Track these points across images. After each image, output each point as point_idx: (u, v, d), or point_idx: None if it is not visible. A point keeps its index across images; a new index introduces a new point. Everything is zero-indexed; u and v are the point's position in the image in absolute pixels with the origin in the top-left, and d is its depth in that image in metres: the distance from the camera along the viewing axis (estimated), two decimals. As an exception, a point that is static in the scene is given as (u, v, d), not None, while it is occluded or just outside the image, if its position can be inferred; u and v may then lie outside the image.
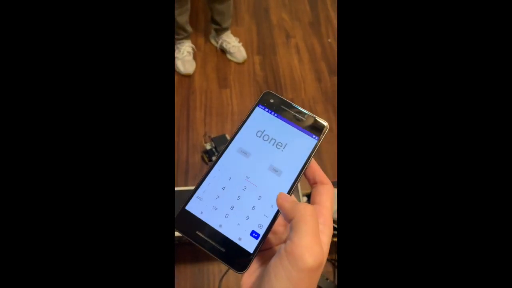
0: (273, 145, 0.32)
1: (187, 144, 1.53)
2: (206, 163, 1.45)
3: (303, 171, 0.31)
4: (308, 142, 0.32)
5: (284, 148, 0.32)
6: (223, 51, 1.85)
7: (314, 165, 0.32)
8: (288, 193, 0.31)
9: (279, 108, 0.34)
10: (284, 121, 0.33)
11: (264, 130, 0.33)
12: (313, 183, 0.31)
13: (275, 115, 0.33)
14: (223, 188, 0.31)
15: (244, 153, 0.32)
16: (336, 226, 0.92)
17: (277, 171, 0.31)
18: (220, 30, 1.79)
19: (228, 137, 1.45)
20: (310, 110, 1.75)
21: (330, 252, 1.16)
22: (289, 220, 0.26)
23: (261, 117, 0.33)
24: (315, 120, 0.33)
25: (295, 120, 0.33)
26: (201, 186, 0.31)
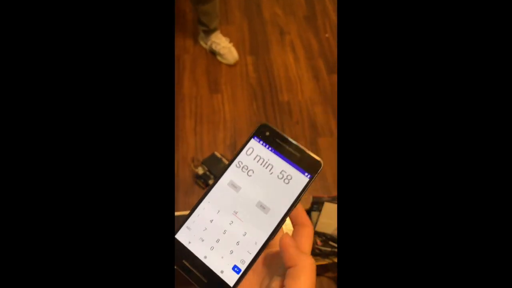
0: None
1: (177, 157, 1.40)
2: (203, 188, 1.30)
3: (291, 210, 0.31)
4: (300, 180, 0.32)
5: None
6: (213, 53, 1.71)
7: (298, 206, 0.31)
8: (274, 231, 0.31)
9: (274, 141, 0.33)
10: (278, 156, 0.33)
11: None
12: (294, 224, 0.32)
13: (270, 148, 0.33)
14: (211, 221, 0.32)
15: (235, 186, 0.33)
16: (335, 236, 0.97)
17: (264, 208, 0.32)
18: (208, 31, 1.67)
19: (218, 155, 1.31)
20: (308, 113, 1.60)
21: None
22: (287, 265, 0.27)
23: (255, 149, 0.34)
24: (310, 157, 0.32)
25: (289, 156, 0.33)
26: (191, 217, 0.32)
